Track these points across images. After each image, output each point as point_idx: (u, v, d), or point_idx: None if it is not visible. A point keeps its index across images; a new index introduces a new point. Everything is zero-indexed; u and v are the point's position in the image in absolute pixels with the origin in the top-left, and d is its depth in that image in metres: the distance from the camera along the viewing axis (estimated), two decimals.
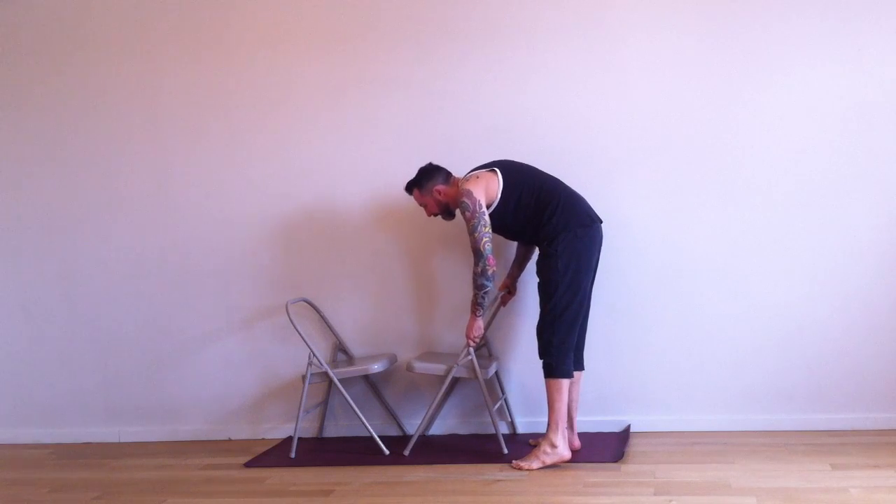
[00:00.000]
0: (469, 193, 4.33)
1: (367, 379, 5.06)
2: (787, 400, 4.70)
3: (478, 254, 4.33)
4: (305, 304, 5.06)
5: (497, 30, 4.87)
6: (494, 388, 4.91)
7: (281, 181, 5.12)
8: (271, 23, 5.11)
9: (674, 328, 4.78)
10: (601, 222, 4.46)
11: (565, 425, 4.33)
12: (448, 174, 4.56)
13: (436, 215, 4.61)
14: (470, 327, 4.51)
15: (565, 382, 4.31)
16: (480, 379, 4.59)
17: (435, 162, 4.89)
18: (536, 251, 4.50)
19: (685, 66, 4.72)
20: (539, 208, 4.37)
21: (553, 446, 4.29)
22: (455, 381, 4.89)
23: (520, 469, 4.28)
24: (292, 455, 4.75)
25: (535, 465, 4.28)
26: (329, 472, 4.47)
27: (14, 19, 5.33)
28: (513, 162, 4.53)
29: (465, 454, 4.61)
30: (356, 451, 4.80)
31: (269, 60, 5.10)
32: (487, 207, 4.36)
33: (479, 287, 4.38)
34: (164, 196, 5.23)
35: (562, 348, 4.32)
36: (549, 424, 4.31)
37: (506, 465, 4.38)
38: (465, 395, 4.99)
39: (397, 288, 5.05)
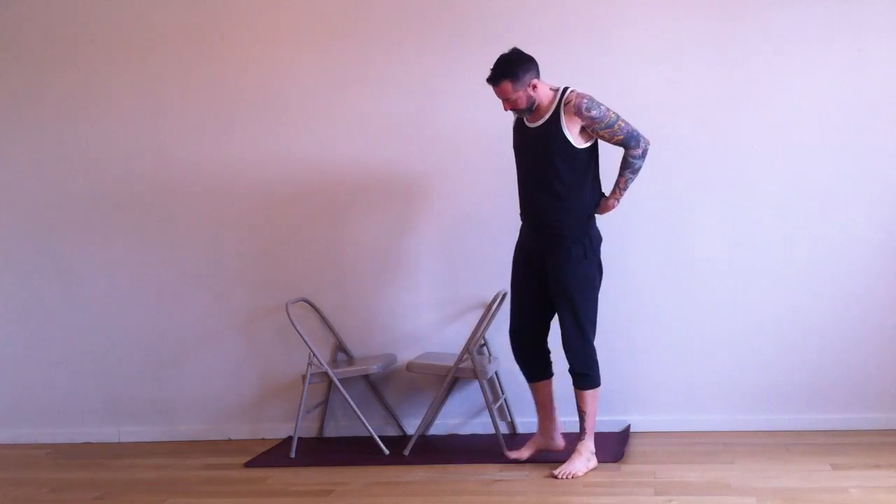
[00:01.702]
0: (592, 97, 4.09)
1: (367, 379, 5.06)
2: (787, 400, 4.70)
3: (633, 136, 4.10)
4: (305, 304, 5.05)
5: (498, 29, 4.86)
6: (494, 388, 4.91)
7: (281, 181, 5.12)
8: (271, 21, 5.10)
9: (674, 328, 4.78)
10: None
11: None
12: (538, 67, 4.15)
13: (517, 111, 4.19)
14: (610, 209, 4.29)
15: (599, 390, 4.30)
16: (481, 379, 4.59)
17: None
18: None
19: (685, 66, 4.72)
20: (590, 192, 4.22)
21: (593, 452, 4.27)
22: (455, 381, 4.88)
23: (569, 476, 4.15)
24: (292, 455, 4.75)
25: (583, 470, 4.19)
26: (329, 472, 4.47)
27: (14, 21, 5.33)
28: None
29: (465, 454, 4.61)
30: (356, 451, 4.80)
31: (269, 60, 5.10)
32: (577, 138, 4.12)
33: (636, 171, 4.16)
34: (164, 196, 5.23)
35: (595, 356, 4.28)
36: (585, 433, 4.26)
37: (506, 465, 4.38)
38: (465, 395, 4.99)
39: (397, 288, 5.05)
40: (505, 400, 4.93)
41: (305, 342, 4.79)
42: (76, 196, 5.31)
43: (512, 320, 4.40)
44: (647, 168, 4.73)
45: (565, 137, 4.11)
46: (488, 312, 4.73)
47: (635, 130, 4.11)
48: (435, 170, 4.97)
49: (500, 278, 4.84)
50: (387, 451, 4.71)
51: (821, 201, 4.64)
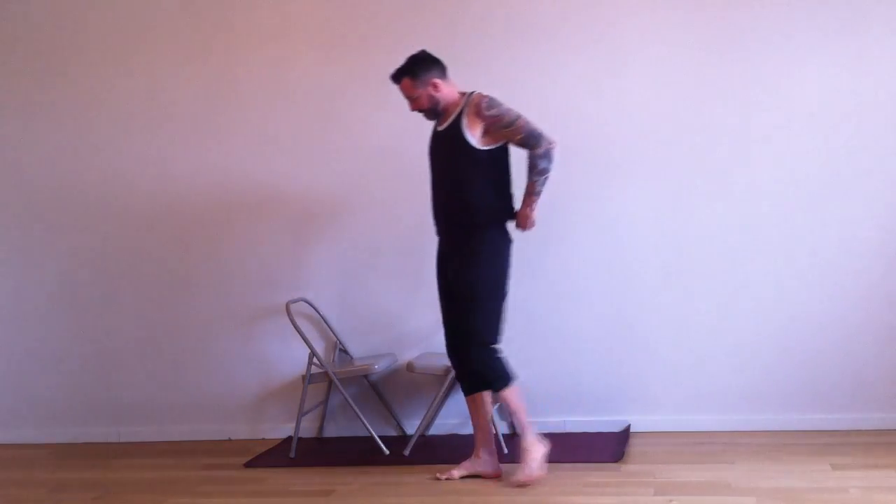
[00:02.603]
0: (494, 98, 4.05)
1: (367, 379, 5.06)
2: (787, 400, 4.70)
3: (534, 136, 3.99)
4: (305, 304, 5.06)
5: (497, 30, 4.87)
6: None
7: (281, 181, 5.12)
8: (272, 21, 5.11)
9: (674, 328, 4.78)
10: None
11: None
12: (445, 69, 4.16)
13: (421, 112, 4.21)
14: (528, 220, 4.18)
15: (514, 387, 4.17)
16: None
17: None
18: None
19: (686, 66, 4.72)
20: (495, 198, 4.14)
21: (537, 440, 4.14)
22: (455, 381, 4.88)
23: (531, 480, 4.06)
24: (292, 455, 4.75)
25: (537, 467, 4.12)
26: (329, 472, 4.47)
27: (13, 20, 5.33)
28: None
29: (465, 454, 4.60)
30: (356, 451, 4.80)
31: (269, 60, 5.11)
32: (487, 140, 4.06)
33: (541, 172, 4.03)
34: (165, 195, 5.24)
35: (496, 356, 4.15)
36: (521, 429, 4.16)
37: (506, 465, 4.37)
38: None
39: (397, 288, 5.05)
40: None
41: (305, 342, 4.79)
42: (76, 196, 5.32)
43: (445, 333, 4.28)
44: (648, 168, 4.75)
45: (465, 138, 4.08)
46: None
47: (537, 129, 4.01)
48: None
49: None
50: (387, 451, 4.71)
51: (821, 201, 4.64)
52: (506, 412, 4.89)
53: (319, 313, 5.09)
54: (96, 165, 5.29)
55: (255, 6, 5.12)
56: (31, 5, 5.30)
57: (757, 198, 4.69)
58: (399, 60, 4.95)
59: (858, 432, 4.57)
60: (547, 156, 4.03)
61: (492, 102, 4.05)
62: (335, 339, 5.10)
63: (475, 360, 4.14)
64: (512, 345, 4.90)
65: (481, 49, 4.90)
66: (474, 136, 4.08)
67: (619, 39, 4.78)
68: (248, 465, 4.70)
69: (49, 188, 5.35)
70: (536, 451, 4.12)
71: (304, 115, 5.08)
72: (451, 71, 4.88)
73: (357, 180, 5.05)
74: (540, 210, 4.82)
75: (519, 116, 4.03)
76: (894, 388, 4.62)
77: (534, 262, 4.87)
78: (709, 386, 4.77)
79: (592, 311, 4.81)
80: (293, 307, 4.86)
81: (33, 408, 5.44)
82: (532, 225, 4.21)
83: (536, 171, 4.05)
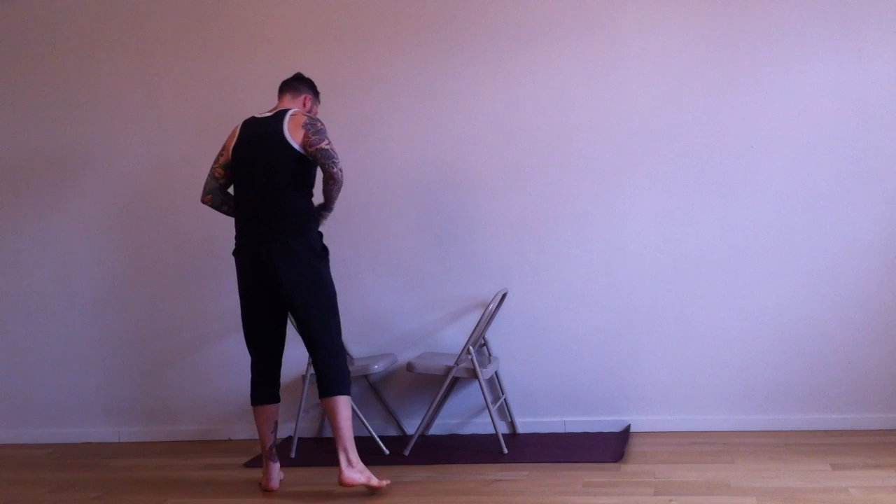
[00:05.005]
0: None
1: (367, 379, 5.06)
2: (787, 400, 4.70)
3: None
4: None
5: (498, 31, 4.87)
6: (494, 388, 4.91)
7: None
8: (272, 22, 5.11)
9: (674, 328, 4.78)
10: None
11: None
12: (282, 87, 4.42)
13: None
14: None
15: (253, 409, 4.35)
16: (480, 379, 4.59)
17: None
18: None
19: (685, 66, 4.72)
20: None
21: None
22: (455, 381, 4.89)
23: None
24: (292, 455, 4.75)
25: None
26: (329, 472, 4.47)
27: (12, 17, 5.33)
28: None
29: (465, 454, 4.62)
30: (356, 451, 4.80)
31: (270, 60, 5.10)
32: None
33: None
34: (165, 195, 5.24)
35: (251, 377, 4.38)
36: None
37: (506, 465, 4.38)
38: (465, 395, 4.99)
39: (397, 288, 5.05)
40: (505, 400, 4.93)
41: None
42: (76, 195, 5.32)
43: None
44: (648, 168, 4.76)
45: None
46: (488, 312, 4.74)
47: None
48: (434, 169, 4.98)
49: (500, 278, 4.85)
50: (387, 451, 4.71)
51: (820, 201, 4.64)
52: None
53: None
54: (95, 165, 5.29)
55: (255, 5, 5.13)
56: (31, 1, 5.31)
57: (757, 198, 4.69)
58: (398, 60, 4.98)
59: (858, 432, 4.57)
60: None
61: None
62: None
63: None
64: (512, 345, 4.92)
65: (481, 48, 4.90)
66: None
67: (620, 41, 4.77)
68: (248, 465, 4.70)
69: (45, 189, 5.35)
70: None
71: None
72: (451, 70, 4.93)
73: (356, 181, 5.04)
74: (540, 210, 4.88)
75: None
76: (894, 388, 4.63)
77: (534, 262, 4.88)
78: (709, 386, 4.77)
79: (593, 311, 4.81)
80: None
81: (33, 408, 5.45)
82: None
83: None
